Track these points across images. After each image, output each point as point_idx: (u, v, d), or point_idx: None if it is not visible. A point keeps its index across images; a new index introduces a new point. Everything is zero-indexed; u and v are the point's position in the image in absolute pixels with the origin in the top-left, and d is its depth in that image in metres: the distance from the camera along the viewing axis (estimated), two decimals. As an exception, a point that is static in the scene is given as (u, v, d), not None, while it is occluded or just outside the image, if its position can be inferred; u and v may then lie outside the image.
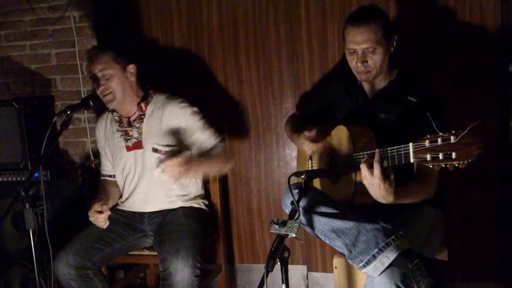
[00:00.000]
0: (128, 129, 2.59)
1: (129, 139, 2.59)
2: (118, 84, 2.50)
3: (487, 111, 2.64)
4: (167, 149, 2.54)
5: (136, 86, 2.59)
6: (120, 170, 2.63)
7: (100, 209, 2.44)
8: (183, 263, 2.23)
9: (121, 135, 2.60)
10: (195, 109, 2.59)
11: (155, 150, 2.54)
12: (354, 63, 2.13)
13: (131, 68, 2.55)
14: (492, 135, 2.63)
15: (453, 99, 2.63)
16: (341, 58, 2.80)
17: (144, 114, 2.58)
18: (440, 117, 2.01)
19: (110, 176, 2.74)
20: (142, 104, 2.58)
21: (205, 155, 2.54)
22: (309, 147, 2.23)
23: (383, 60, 2.09)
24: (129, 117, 2.60)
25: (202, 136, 2.56)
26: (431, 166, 1.56)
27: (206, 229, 2.62)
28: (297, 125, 2.51)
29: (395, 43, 2.14)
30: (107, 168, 2.74)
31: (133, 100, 2.58)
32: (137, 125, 2.58)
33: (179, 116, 2.54)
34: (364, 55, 2.09)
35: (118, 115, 2.63)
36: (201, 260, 2.32)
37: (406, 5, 2.70)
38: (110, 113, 2.66)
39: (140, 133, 2.57)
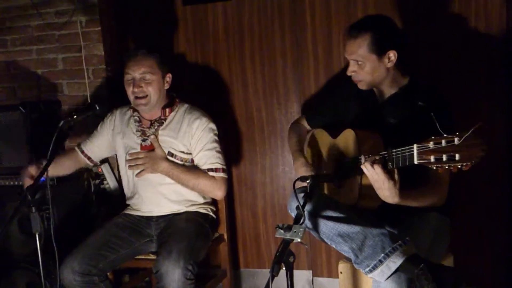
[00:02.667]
0: (146, 129, 2.61)
1: (146, 139, 2.60)
2: (156, 90, 2.54)
3: (493, 115, 2.64)
4: (182, 155, 2.56)
5: (166, 93, 2.64)
6: (127, 169, 2.63)
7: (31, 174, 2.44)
8: (174, 264, 2.22)
9: (140, 134, 2.61)
10: (213, 126, 2.61)
11: (171, 155, 2.56)
12: (348, 71, 2.18)
13: (168, 77, 2.61)
14: (498, 139, 2.63)
15: (459, 103, 2.61)
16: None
17: (165, 119, 2.61)
18: (448, 122, 2.02)
19: (85, 155, 2.77)
20: (167, 110, 2.61)
21: (185, 169, 2.53)
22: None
23: (373, 73, 2.11)
24: (150, 120, 2.62)
25: (201, 153, 2.56)
26: (434, 168, 1.57)
27: (208, 234, 2.60)
28: (299, 144, 2.52)
29: (392, 58, 2.10)
30: (90, 149, 2.76)
31: (160, 106, 2.61)
32: (154, 128, 2.60)
33: (195, 126, 2.56)
34: (354, 65, 2.13)
35: (139, 115, 2.65)
36: (194, 264, 2.28)
37: (412, 10, 2.70)
38: (131, 110, 2.68)
39: (156, 136, 2.58)
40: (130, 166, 2.55)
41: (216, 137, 2.60)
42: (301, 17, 2.91)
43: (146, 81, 2.51)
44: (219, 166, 2.57)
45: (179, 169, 2.52)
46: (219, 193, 2.59)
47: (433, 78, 2.65)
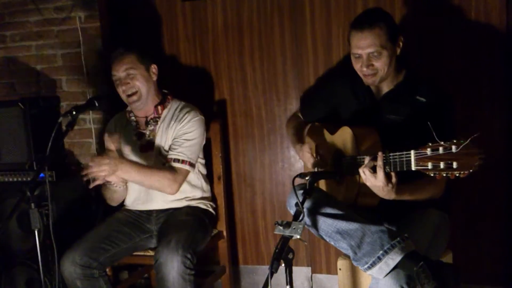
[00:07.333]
0: (143, 130, 2.63)
1: (143, 139, 2.61)
2: (143, 83, 2.56)
3: (493, 111, 2.63)
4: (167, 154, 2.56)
5: (157, 87, 2.65)
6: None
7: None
8: (173, 252, 2.22)
9: (136, 134, 2.63)
10: (202, 121, 2.59)
11: (159, 153, 2.57)
12: (359, 67, 2.14)
13: (154, 68, 2.64)
14: (498, 136, 2.62)
15: (459, 99, 2.61)
16: (346, 56, 2.79)
17: (159, 117, 2.62)
18: (450, 116, 2.03)
19: None
20: (159, 107, 2.63)
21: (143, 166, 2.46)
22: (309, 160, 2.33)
23: (389, 63, 2.09)
24: (146, 117, 2.63)
25: (178, 139, 2.52)
26: (432, 175, 1.57)
27: (207, 227, 2.60)
28: (299, 133, 2.53)
29: (401, 44, 2.14)
30: None
31: (154, 101, 2.63)
32: (151, 127, 2.62)
33: (184, 118, 2.57)
34: (369, 59, 2.09)
35: (134, 116, 2.67)
36: (193, 253, 2.28)
37: (412, 5, 2.70)
38: (127, 113, 2.70)
39: (153, 135, 2.60)
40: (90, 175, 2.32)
41: (200, 132, 2.58)
42: (300, 13, 2.90)
43: (130, 77, 2.54)
44: (186, 158, 2.50)
45: (138, 166, 2.43)
46: (174, 186, 2.46)
47: (432, 73, 2.64)
